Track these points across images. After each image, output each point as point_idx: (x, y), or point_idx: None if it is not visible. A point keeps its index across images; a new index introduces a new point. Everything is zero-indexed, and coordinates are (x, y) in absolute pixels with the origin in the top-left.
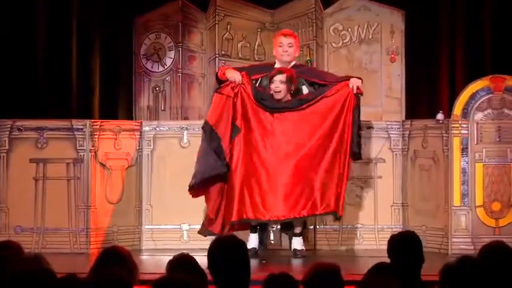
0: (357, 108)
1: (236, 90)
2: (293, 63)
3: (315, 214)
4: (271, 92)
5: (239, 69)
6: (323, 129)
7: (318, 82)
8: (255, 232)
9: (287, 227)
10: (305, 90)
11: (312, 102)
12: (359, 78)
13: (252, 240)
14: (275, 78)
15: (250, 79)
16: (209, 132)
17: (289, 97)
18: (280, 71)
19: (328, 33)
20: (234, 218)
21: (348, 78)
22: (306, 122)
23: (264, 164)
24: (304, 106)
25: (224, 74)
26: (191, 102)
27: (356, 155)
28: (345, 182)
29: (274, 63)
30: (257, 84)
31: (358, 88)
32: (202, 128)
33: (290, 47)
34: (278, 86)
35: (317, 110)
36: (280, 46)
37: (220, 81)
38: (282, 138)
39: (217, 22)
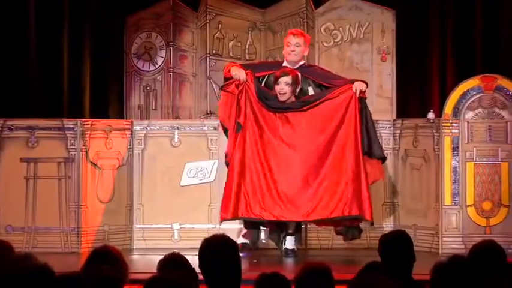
0: (363, 111)
1: (240, 88)
2: (301, 62)
3: (323, 219)
4: (276, 93)
5: (245, 67)
6: (327, 132)
7: (323, 84)
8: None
9: (280, 227)
10: (311, 91)
11: (314, 104)
12: (364, 82)
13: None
14: (280, 79)
15: (255, 77)
16: (224, 130)
17: (293, 98)
18: (285, 73)
19: (320, 33)
20: (229, 216)
21: (353, 81)
22: (309, 124)
23: (266, 163)
24: (305, 108)
25: (229, 71)
26: (182, 102)
27: (368, 155)
28: (363, 184)
29: (283, 61)
30: (264, 82)
31: (361, 92)
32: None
33: (297, 46)
34: (283, 87)
35: (320, 112)
36: (288, 46)
37: (227, 79)
38: (284, 139)
39: (208, 21)
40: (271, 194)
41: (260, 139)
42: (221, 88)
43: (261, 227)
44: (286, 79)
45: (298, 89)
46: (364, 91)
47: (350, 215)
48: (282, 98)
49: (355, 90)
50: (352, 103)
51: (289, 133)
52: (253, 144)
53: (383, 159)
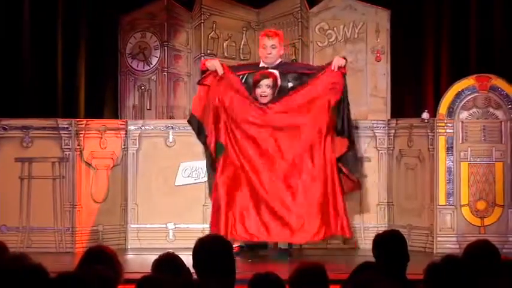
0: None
1: (218, 78)
2: (278, 61)
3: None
4: (256, 97)
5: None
6: (306, 138)
7: (306, 73)
8: None
9: None
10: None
11: (298, 89)
12: (343, 58)
13: None
14: (261, 82)
15: (232, 71)
16: (196, 126)
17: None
18: (265, 75)
19: (314, 32)
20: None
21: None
22: (292, 119)
23: (252, 177)
24: (291, 93)
25: (204, 65)
26: (177, 101)
27: (339, 133)
28: (339, 199)
29: (260, 63)
30: (243, 81)
31: (340, 67)
32: (188, 121)
33: (273, 48)
34: (265, 90)
35: (300, 104)
36: (264, 48)
37: (203, 72)
38: (269, 146)
39: (202, 21)
40: (258, 215)
41: (246, 139)
42: (198, 82)
43: None
44: (267, 82)
45: (277, 91)
46: (344, 66)
47: (339, 234)
48: (263, 101)
49: (334, 67)
50: (333, 86)
51: (273, 140)
52: (238, 159)
53: (348, 138)
